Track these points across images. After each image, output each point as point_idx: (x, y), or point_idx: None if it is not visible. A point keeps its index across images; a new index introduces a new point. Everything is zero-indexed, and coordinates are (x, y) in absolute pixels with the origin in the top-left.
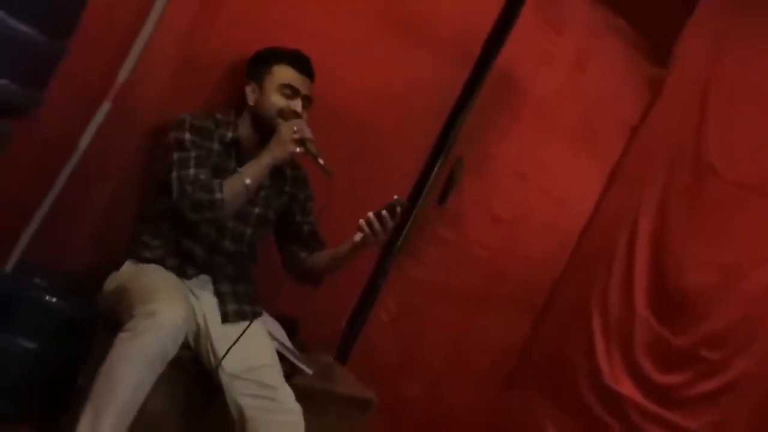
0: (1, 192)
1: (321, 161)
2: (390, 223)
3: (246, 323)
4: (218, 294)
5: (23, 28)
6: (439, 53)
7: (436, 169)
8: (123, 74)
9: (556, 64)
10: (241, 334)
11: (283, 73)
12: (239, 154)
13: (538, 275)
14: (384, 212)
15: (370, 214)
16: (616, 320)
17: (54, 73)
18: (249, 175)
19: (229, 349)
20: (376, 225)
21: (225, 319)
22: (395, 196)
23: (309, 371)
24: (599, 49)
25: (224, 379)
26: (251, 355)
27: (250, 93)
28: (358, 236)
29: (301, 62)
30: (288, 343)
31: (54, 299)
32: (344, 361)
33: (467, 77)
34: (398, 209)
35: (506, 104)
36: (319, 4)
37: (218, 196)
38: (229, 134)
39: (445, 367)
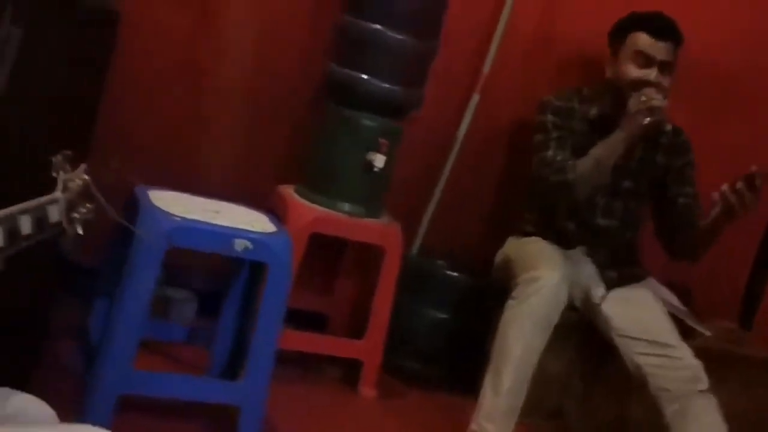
0: (399, 188)
1: (668, 126)
2: (748, 196)
3: (631, 286)
4: (597, 264)
5: (399, 36)
6: None
7: None
8: (487, 66)
9: None
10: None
11: (636, 40)
12: (605, 129)
13: None
14: (740, 185)
15: (724, 187)
16: None
17: (429, 72)
18: (599, 153)
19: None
20: (733, 199)
21: (609, 285)
22: (753, 167)
23: (707, 332)
24: None
25: (618, 340)
26: (643, 317)
27: (608, 65)
28: (714, 210)
29: (657, 26)
30: (680, 305)
31: (456, 274)
32: (748, 327)
33: None
34: (758, 182)
35: None
36: None
37: (570, 176)
38: (594, 110)
39: None
